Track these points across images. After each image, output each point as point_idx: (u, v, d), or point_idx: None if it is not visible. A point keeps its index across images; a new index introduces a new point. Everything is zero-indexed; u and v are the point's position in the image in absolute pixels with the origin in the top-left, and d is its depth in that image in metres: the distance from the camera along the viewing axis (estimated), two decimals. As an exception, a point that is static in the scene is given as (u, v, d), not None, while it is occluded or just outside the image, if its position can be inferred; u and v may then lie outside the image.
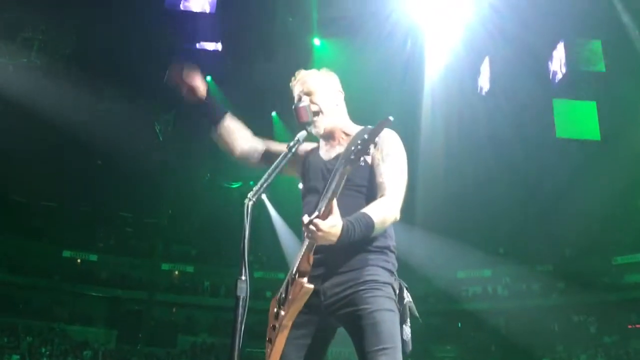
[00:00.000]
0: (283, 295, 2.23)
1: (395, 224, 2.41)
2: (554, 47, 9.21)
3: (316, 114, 2.34)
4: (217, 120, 2.48)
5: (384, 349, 2.07)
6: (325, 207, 2.00)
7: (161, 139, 11.82)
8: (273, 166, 2.11)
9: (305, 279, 2.14)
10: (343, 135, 2.37)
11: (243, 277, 1.86)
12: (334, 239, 2.00)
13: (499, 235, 15.93)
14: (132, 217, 17.22)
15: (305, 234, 1.99)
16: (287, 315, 2.16)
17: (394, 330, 2.15)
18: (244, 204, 1.94)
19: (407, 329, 2.23)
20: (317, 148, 2.39)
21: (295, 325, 2.21)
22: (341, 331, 2.33)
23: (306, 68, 2.57)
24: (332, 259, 2.21)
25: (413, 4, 8.50)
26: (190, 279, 18.44)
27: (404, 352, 2.14)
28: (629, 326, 13.71)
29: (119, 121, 9.77)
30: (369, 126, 2.38)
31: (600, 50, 8.81)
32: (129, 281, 17.27)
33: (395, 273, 2.32)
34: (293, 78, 2.48)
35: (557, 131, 9.65)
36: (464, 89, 9.97)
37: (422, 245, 12.78)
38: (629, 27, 8.45)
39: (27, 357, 13.75)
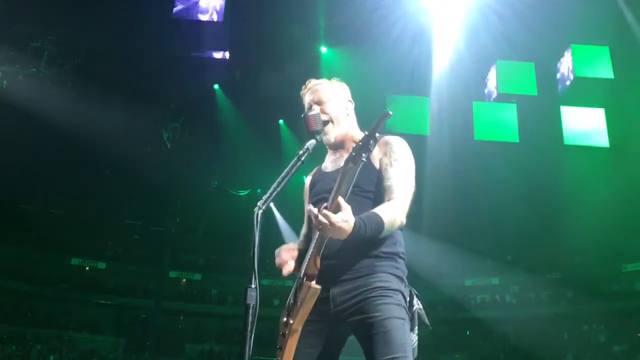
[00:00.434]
0: (292, 301, 2.23)
1: (402, 231, 2.41)
2: (560, 54, 9.21)
3: (326, 123, 2.35)
4: None
5: (394, 358, 2.07)
6: (333, 201, 2.00)
7: (169, 146, 11.87)
8: (282, 175, 2.11)
9: (313, 282, 2.14)
10: (353, 144, 2.36)
11: (253, 285, 1.87)
12: (345, 235, 2.00)
13: (506, 243, 15.85)
14: (140, 225, 17.26)
15: (316, 226, 1.99)
16: (297, 320, 2.15)
17: (405, 339, 2.14)
18: (253, 212, 1.95)
19: (414, 337, 2.22)
20: (320, 167, 2.40)
21: (305, 335, 2.20)
22: (351, 339, 2.32)
23: (313, 76, 2.58)
24: (341, 266, 2.21)
25: (419, 11, 8.54)
26: (198, 287, 18.45)
27: None
28: (639, 335, 13.58)
29: (127, 129, 9.82)
30: (377, 134, 2.39)
31: (609, 57, 8.79)
32: (137, 289, 17.30)
33: (406, 280, 2.31)
34: (304, 87, 2.49)
35: (565, 139, 9.64)
36: (470, 95, 9.96)
37: (430, 253, 12.74)
38: (637, 33, 8.43)
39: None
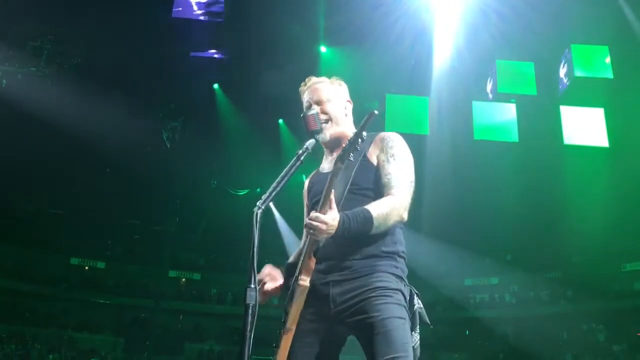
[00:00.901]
0: (289, 300, 2.23)
1: (402, 230, 2.40)
2: (560, 53, 9.20)
3: (325, 122, 2.35)
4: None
5: (396, 357, 2.07)
6: (323, 203, 2.01)
7: (169, 146, 11.86)
8: (281, 175, 2.12)
9: (305, 280, 2.14)
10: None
11: (252, 285, 1.87)
12: (332, 231, 2.01)
13: (506, 242, 15.85)
14: (139, 224, 17.26)
15: (307, 230, 1.99)
16: (290, 317, 2.16)
17: (406, 339, 2.14)
18: (252, 212, 1.95)
19: (415, 336, 2.22)
20: (318, 169, 2.40)
21: (304, 334, 2.20)
22: (351, 338, 2.33)
23: (313, 75, 2.57)
24: (341, 266, 2.21)
25: (420, 10, 8.54)
26: (197, 286, 18.45)
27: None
28: (639, 334, 13.59)
29: (127, 129, 9.82)
30: (372, 132, 2.39)
31: (608, 56, 8.78)
32: (136, 289, 17.30)
33: (406, 279, 2.30)
34: (303, 84, 2.48)
35: (564, 139, 9.63)
36: (470, 94, 9.96)
37: (429, 252, 12.74)
38: (637, 32, 8.41)
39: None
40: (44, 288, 15.50)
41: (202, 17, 8.48)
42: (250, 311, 1.86)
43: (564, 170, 11.51)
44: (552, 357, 13.82)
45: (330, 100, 2.42)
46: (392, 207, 2.19)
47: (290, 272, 2.31)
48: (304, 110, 2.35)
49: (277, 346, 2.20)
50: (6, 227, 14.02)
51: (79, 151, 10.45)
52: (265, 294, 2.26)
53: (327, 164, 2.40)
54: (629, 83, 9.32)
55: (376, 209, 2.14)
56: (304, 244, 2.25)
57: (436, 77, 9.51)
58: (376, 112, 2.02)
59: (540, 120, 10.18)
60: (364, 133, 2.10)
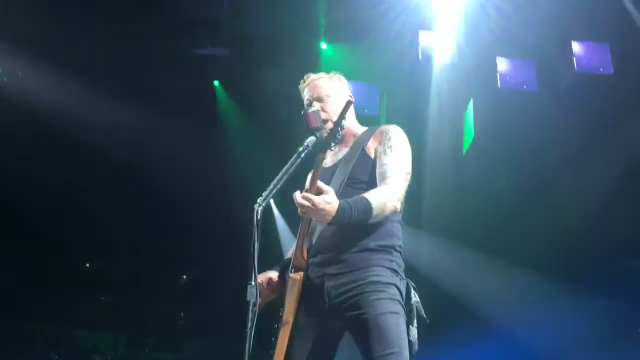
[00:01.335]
0: (285, 294, 2.25)
1: (400, 225, 2.41)
2: (560, 49, 9.19)
3: (326, 121, 2.37)
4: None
5: (390, 354, 2.10)
6: (311, 185, 2.03)
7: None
8: (282, 172, 2.14)
9: (297, 273, 2.16)
10: (352, 139, 2.38)
11: (252, 282, 1.88)
12: (329, 216, 2.03)
13: (506, 239, 15.83)
14: (138, 221, 17.26)
15: (299, 210, 2.01)
16: (285, 310, 2.20)
17: (400, 333, 2.17)
18: (253, 209, 1.96)
19: (413, 330, 2.25)
20: (316, 164, 2.43)
21: (301, 327, 2.23)
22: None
23: (313, 72, 2.58)
24: (335, 259, 2.24)
25: (420, 6, 8.52)
26: (198, 283, 18.46)
27: (410, 353, 2.15)
28: (640, 331, 13.59)
29: (129, 128, 9.84)
30: (373, 127, 2.40)
31: (609, 53, 8.78)
32: (137, 285, 17.30)
33: (402, 273, 2.32)
34: (302, 81, 2.50)
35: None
36: (470, 91, 9.97)
37: (430, 249, 12.73)
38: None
39: (36, 361, 13.81)
40: (45, 285, 15.52)
41: (203, 14, 8.49)
42: (250, 308, 1.88)
43: (564, 165, 11.52)
44: (554, 351, 13.81)
45: (330, 96, 2.45)
46: (388, 196, 2.23)
47: (287, 268, 2.33)
48: (305, 107, 2.37)
49: (275, 339, 2.23)
50: (7, 225, 14.04)
51: (79, 148, 10.47)
52: (263, 301, 2.30)
53: (330, 159, 2.43)
54: (630, 79, 9.31)
55: (375, 198, 2.17)
56: (298, 237, 2.27)
57: (437, 73, 9.52)
58: (351, 98, 2.04)
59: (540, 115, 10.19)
60: (344, 123, 2.11)
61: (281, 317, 2.18)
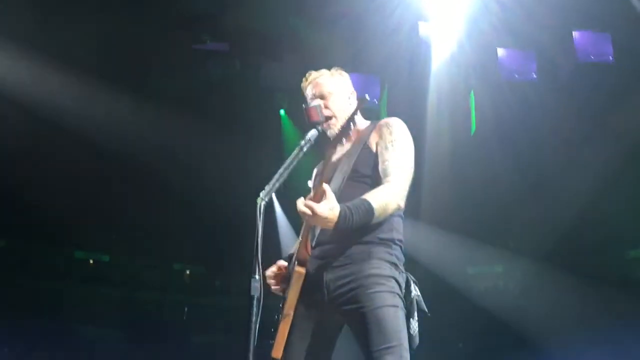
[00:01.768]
0: (286, 286, 2.26)
1: (401, 219, 2.42)
2: (560, 40, 9.16)
3: (329, 117, 2.37)
4: None
5: (389, 347, 2.09)
6: (317, 190, 2.03)
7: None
8: (284, 166, 2.15)
9: (301, 266, 2.17)
10: (355, 133, 2.39)
11: (257, 277, 1.90)
12: (331, 223, 2.03)
13: (509, 229, 15.84)
14: (143, 217, 17.30)
15: (301, 216, 2.02)
16: (287, 304, 2.20)
17: (399, 327, 2.17)
18: (256, 203, 1.97)
19: (414, 324, 2.24)
20: (324, 160, 2.43)
21: (300, 320, 2.24)
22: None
23: (313, 66, 2.59)
24: (335, 251, 2.24)
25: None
26: (202, 278, 18.52)
27: (411, 347, 2.16)
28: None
29: (131, 123, 9.84)
30: (375, 121, 2.42)
31: (610, 44, 8.74)
32: (141, 281, 17.37)
33: (401, 266, 2.32)
34: (304, 79, 2.51)
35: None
36: (469, 84, 9.95)
37: (431, 241, 12.74)
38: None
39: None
40: (49, 282, 15.59)
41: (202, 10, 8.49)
42: (255, 302, 1.89)
43: (566, 156, 11.51)
44: (556, 344, 13.83)
45: (332, 93, 2.45)
46: (390, 195, 2.22)
47: (290, 262, 2.35)
48: (307, 103, 2.38)
49: (275, 331, 2.24)
50: (11, 220, 14.09)
51: (80, 144, 10.48)
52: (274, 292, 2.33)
53: (335, 155, 2.43)
54: (630, 70, 9.28)
55: (376, 200, 2.16)
56: (302, 231, 2.28)
57: (436, 67, 9.49)
58: (367, 97, 2.04)
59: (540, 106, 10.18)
60: (357, 118, 2.12)
61: (282, 309, 2.20)
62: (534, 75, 9.18)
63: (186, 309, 17.98)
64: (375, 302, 2.12)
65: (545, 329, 13.67)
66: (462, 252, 15.32)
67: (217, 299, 17.99)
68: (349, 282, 2.18)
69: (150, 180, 12.70)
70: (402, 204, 2.23)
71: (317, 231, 2.22)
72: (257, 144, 11.48)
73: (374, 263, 2.21)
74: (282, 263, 2.37)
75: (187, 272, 18.65)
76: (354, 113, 2.15)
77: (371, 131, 2.41)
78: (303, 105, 2.42)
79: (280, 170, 2.10)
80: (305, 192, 2.74)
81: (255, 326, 1.88)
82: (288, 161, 2.15)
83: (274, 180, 2.07)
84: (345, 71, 2.58)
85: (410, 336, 2.16)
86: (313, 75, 2.52)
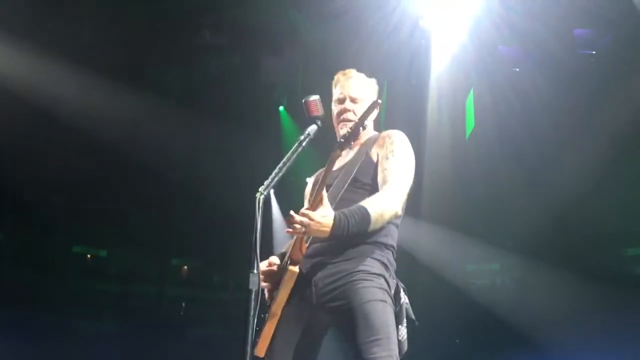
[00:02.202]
0: (276, 285, 2.24)
1: (399, 223, 2.40)
2: (563, 40, 9.16)
3: (350, 121, 2.36)
4: None
5: (376, 339, 2.09)
6: (315, 198, 2.02)
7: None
8: (283, 160, 2.14)
9: (296, 267, 2.16)
10: (358, 142, 2.39)
11: (255, 271, 1.89)
12: (326, 229, 2.02)
13: (507, 228, 15.83)
14: (141, 212, 17.29)
15: (297, 229, 2.00)
16: (276, 303, 2.20)
17: (387, 321, 2.17)
18: (254, 197, 1.96)
19: (403, 330, 2.24)
20: (326, 166, 2.43)
21: (286, 319, 2.23)
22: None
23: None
24: (325, 250, 2.23)
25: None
26: (199, 273, 18.52)
27: (400, 353, 2.14)
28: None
29: (129, 117, 9.82)
30: (377, 132, 2.40)
31: (610, 40, 8.74)
32: (139, 276, 17.38)
33: (392, 271, 2.31)
34: (342, 73, 2.49)
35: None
36: (470, 83, 9.93)
37: (430, 238, 12.73)
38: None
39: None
40: (47, 276, 15.58)
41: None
42: (253, 296, 1.89)
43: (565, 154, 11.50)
44: (553, 341, 13.84)
45: (363, 100, 2.45)
46: (387, 202, 2.23)
47: (281, 260, 2.33)
48: (334, 100, 2.37)
49: (260, 330, 2.23)
50: (9, 215, 14.07)
51: (80, 139, 10.46)
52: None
53: (337, 163, 2.42)
54: (634, 69, 9.28)
55: (373, 206, 2.16)
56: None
57: (436, 65, 9.48)
58: (380, 100, 2.03)
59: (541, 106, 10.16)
60: (366, 123, 2.11)
61: (269, 307, 2.18)
62: (535, 73, 9.18)
63: (184, 303, 17.99)
64: (363, 297, 2.11)
65: (542, 325, 13.70)
66: (461, 250, 15.35)
67: (215, 293, 18.00)
68: (337, 280, 2.17)
69: (149, 175, 12.67)
70: (400, 212, 2.23)
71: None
72: (256, 139, 11.46)
73: (364, 260, 2.20)
74: (274, 260, 2.36)
75: (185, 267, 18.65)
76: (365, 116, 2.13)
77: (374, 142, 2.41)
78: (303, 100, 2.41)
79: (280, 165, 2.09)
80: (303, 188, 2.73)
81: (253, 320, 1.88)
82: (287, 156, 2.14)
83: (273, 175, 2.06)
84: (346, 68, 2.57)
85: (398, 342, 2.15)
86: (352, 74, 2.52)
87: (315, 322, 2.28)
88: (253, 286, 1.86)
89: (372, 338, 2.09)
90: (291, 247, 2.25)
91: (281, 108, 11.72)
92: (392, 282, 2.25)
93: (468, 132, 10.46)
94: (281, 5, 8.77)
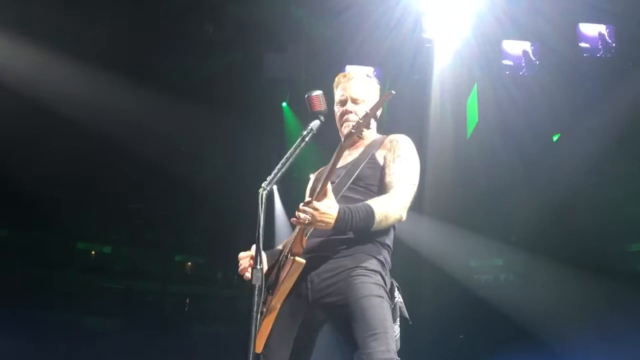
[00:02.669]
0: (273, 279, 2.23)
1: (395, 230, 2.40)
2: (565, 32, 9.11)
3: (353, 121, 2.35)
4: None
5: (374, 334, 2.08)
6: (320, 190, 2.01)
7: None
8: (286, 156, 2.14)
9: (302, 258, 2.14)
10: (363, 143, 2.38)
11: (258, 266, 1.89)
12: (330, 221, 2.01)
13: (510, 223, 15.81)
14: (145, 208, 17.34)
15: (301, 218, 1.99)
16: (276, 297, 2.18)
17: (384, 316, 2.16)
18: (257, 193, 1.96)
19: (396, 328, 2.22)
20: (330, 164, 2.42)
21: (281, 315, 2.21)
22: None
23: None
24: (322, 246, 2.22)
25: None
26: (203, 269, 18.55)
27: None
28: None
29: (133, 113, 9.82)
30: (383, 135, 2.39)
31: (613, 35, 8.70)
32: (143, 273, 17.42)
33: (388, 269, 2.31)
34: (342, 75, 2.49)
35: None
36: (473, 78, 9.90)
37: (433, 234, 12.72)
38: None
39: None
40: (51, 272, 15.64)
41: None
42: (257, 292, 1.89)
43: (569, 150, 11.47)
44: (557, 337, 13.83)
45: (365, 101, 2.44)
46: (393, 205, 2.22)
47: (274, 257, 2.32)
48: (336, 102, 2.37)
49: (259, 325, 2.22)
50: (12, 212, 14.11)
51: (81, 136, 10.47)
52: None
53: (341, 160, 2.41)
54: (634, 64, 9.24)
55: (378, 206, 2.15)
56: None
57: (439, 60, 9.45)
58: (393, 92, 2.02)
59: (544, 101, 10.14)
60: (378, 113, 2.09)
61: (267, 302, 2.16)
62: (538, 68, 9.15)
63: (187, 299, 18.03)
64: (360, 292, 2.11)
65: (545, 320, 13.69)
66: (464, 245, 15.32)
67: (219, 289, 18.04)
68: (333, 276, 2.17)
69: (153, 171, 12.69)
70: (404, 216, 2.22)
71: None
72: (259, 135, 11.46)
73: (361, 257, 2.20)
74: (252, 253, 2.35)
75: (189, 263, 18.69)
76: (374, 111, 2.12)
77: (380, 144, 2.41)
78: (305, 96, 2.40)
79: (282, 161, 2.09)
80: (306, 184, 2.73)
81: (257, 316, 1.87)
82: (290, 152, 2.14)
83: (275, 170, 2.06)
84: (349, 64, 2.58)
85: None
86: (352, 75, 2.51)
87: (310, 318, 2.27)
88: (257, 281, 1.86)
89: (369, 333, 2.08)
90: (292, 240, 2.24)
91: (284, 104, 11.72)
92: (388, 279, 2.26)
93: (470, 128, 10.45)
94: (284, 1, 8.75)
